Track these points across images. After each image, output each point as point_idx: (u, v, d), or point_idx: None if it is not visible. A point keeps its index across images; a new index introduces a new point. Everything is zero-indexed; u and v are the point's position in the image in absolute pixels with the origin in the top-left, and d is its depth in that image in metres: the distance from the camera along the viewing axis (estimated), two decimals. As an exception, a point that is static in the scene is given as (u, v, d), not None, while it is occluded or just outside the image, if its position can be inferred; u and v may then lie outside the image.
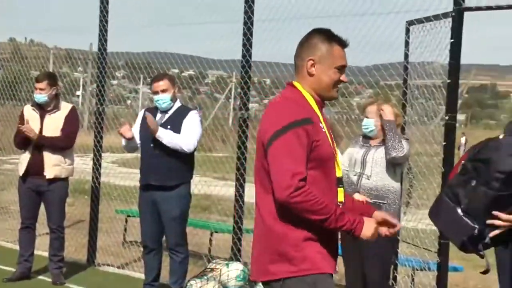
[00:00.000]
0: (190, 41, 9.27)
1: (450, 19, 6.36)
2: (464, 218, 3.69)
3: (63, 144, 8.05)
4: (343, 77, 3.73)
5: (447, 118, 6.40)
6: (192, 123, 7.21)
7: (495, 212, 3.66)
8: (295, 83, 3.72)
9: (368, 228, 3.61)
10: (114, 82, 17.72)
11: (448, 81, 6.39)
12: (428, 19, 6.90)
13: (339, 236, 5.41)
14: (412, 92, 7.56)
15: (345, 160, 6.70)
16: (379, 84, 9.49)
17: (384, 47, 7.20)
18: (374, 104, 6.68)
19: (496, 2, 6.24)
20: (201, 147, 10.25)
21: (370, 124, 6.61)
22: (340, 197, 3.72)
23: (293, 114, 3.53)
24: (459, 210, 3.71)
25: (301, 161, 3.46)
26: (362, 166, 6.52)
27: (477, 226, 3.67)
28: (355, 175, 6.55)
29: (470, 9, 6.24)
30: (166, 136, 7.08)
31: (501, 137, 3.86)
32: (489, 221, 3.68)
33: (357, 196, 6.34)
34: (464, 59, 6.11)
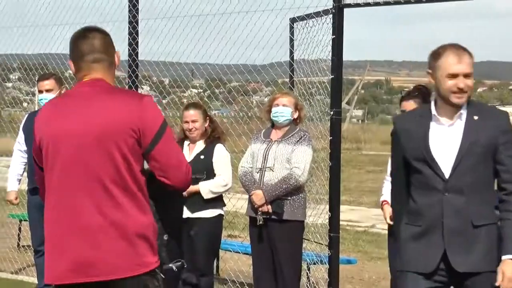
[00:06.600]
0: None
1: (331, 16, 6.46)
2: None
3: None
4: None
5: (331, 113, 6.50)
6: None
7: None
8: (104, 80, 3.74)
9: None
10: (9, 84, 17.29)
11: (331, 76, 6.49)
12: (310, 16, 6.99)
13: None
14: (310, 88, 7.61)
15: (248, 157, 6.69)
16: (276, 82, 9.56)
17: (272, 44, 7.22)
18: (290, 95, 6.71)
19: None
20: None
21: (287, 112, 6.58)
22: None
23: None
24: None
25: None
26: (264, 160, 6.46)
27: None
28: (257, 172, 6.50)
29: (349, 5, 6.35)
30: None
31: None
32: None
33: (257, 194, 6.38)
34: (358, 55, 6.22)
